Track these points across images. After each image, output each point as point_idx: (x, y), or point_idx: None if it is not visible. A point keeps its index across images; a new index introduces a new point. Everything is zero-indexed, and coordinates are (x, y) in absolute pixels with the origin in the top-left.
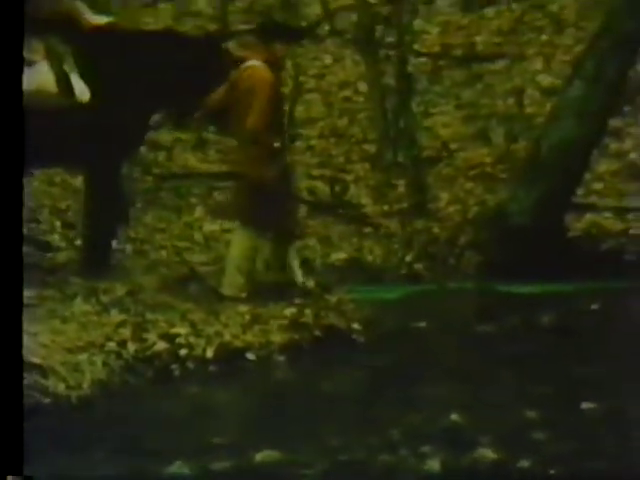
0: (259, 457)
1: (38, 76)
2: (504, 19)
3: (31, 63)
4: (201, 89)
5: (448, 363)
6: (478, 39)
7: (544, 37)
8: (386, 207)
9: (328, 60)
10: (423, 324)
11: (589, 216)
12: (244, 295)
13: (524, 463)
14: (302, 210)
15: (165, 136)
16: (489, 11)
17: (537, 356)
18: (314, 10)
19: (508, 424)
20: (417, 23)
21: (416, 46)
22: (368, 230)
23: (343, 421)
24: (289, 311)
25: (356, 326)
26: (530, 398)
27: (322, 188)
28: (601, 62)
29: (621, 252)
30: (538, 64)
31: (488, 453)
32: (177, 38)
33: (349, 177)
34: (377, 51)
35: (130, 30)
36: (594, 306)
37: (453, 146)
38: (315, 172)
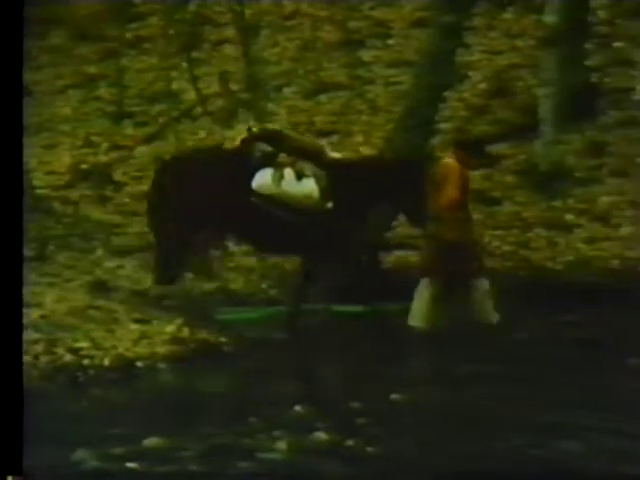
0: (147, 443)
1: (309, 187)
2: (335, 104)
3: (302, 177)
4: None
5: (297, 366)
6: (317, 119)
7: (364, 118)
8: (246, 248)
9: (202, 134)
10: (278, 336)
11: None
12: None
13: (349, 442)
14: None
15: (73, 193)
16: (323, 97)
17: (361, 359)
18: (190, 96)
19: (338, 413)
20: (269, 106)
21: (269, 125)
22: (233, 265)
23: (214, 414)
24: (170, 328)
25: (224, 339)
26: (354, 392)
27: None
28: (407, 138)
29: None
30: (360, 138)
31: (322, 435)
32: (386, 162)
33: None
34: (240, 128)
35: (354, 159)
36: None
37: None
38: None
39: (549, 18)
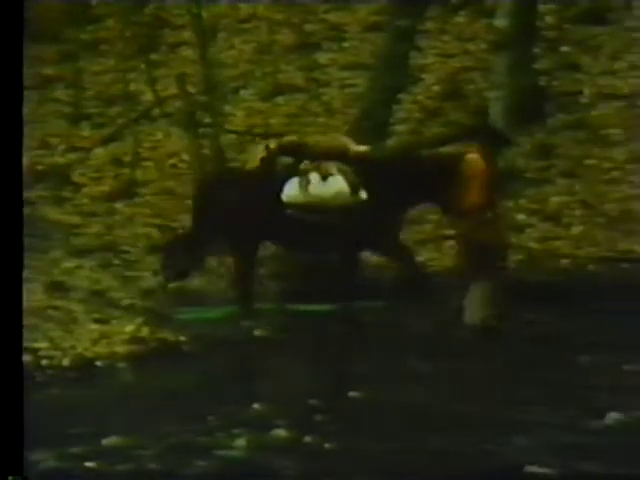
0: (105, 442)
1: (337, 184)
2: (291, 106)
3: (327, 177)
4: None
5: (254, 366)
6: (273, 121)
7: (320, 119)
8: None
9: (160, 135)
10: (237, 336)
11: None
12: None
13: (307, 439)
14: (141, 247)
15: (30, 194)
16: (280, 99)
17: (319, 357)
18: (148, 98)
19: (296, 410)
20: (227, 108)
21: (227, 126)
22: None
23: (173, 413)
24: (129, 328)
25: (183, 339)
26: (312, 390)
27: (155, 233)
28: (362, 140)
29: (379, 280)
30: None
31: (282, 432)
32: (419, 160)
33: (176, 225)
34: (197, 129)
35: (380, 159)
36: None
37: None
38: (150, 221)
39: (500, 22)
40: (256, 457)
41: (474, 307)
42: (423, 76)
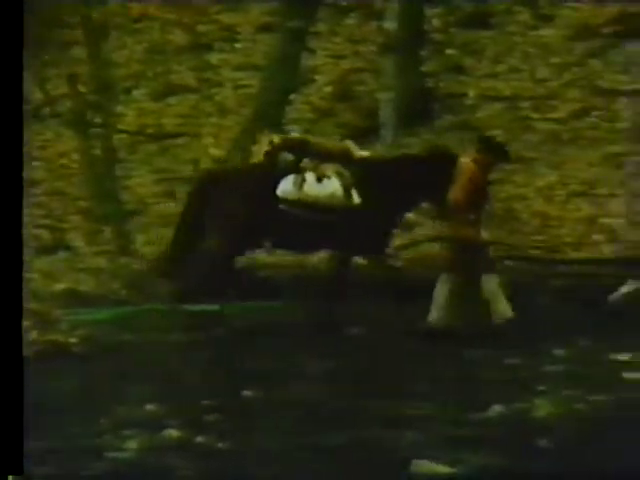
0: None
1: (332, 187)
2: (183, 106)
3: (322, 179)
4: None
5: (147, 366)
6: (165, 121)
7: (213, 120)
8: (96, 249)
9: (50, 135)
10: (128, 337)
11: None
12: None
13: (200, 439)
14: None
15: None
16: (172, 99)
17: (211, 357)
18: (37, 96)
19: (189, 410)
20: (118, 108)
21: (119, 125)
22: (82, 266)
23: (64, 415)
24: None
25: (73, 340)
26: (205, 390)
27: (45, 235)
28: (255, 140)
29: (273, 280)
30: (210, 140)
31: (174, 433)
32: (415, 158)
33: (67, 225)
34: (87, 129)
35: (380, 159)
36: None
37: (148, 201)
38: (40, 222)
39: (388, 24)
40: (148, 458)
41: (438, 306)
42: (315, 77)
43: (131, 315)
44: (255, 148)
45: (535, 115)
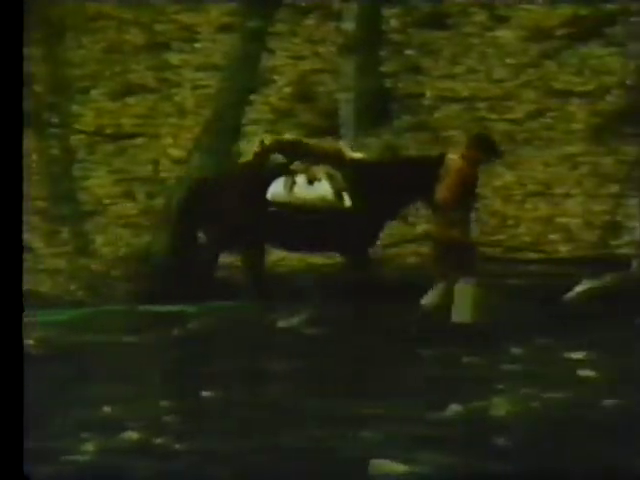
0: None
1: (322, 189)
2: (142, 106)
3: (313, 181)
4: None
5: (107, 367)
6: (123, 121)
7: (173, 120)
8: (55, 250)
9: None
10: (87, 339)
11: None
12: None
13: (158, 440)
14: None
15: None
16: (130, 99)
17: (171, 358)
18: None
19: (148, 412)
20: (76, 108)
21: (76, 126)
22: (41, 267)
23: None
24: None
25: (31, 342)
26: (164, 391)
27: None
28: (215, 140)
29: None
30: (169, 140)
31: (133, 435)
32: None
33: (24, 227)
34: (45, 129)
35: (372, 160)
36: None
37: (106, 202)
38: None
39: (347, 25)
40: (105, 461)
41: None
42: (274, 77)
43: (89, 316)
44: (245, 149)
45: (492, 116)
